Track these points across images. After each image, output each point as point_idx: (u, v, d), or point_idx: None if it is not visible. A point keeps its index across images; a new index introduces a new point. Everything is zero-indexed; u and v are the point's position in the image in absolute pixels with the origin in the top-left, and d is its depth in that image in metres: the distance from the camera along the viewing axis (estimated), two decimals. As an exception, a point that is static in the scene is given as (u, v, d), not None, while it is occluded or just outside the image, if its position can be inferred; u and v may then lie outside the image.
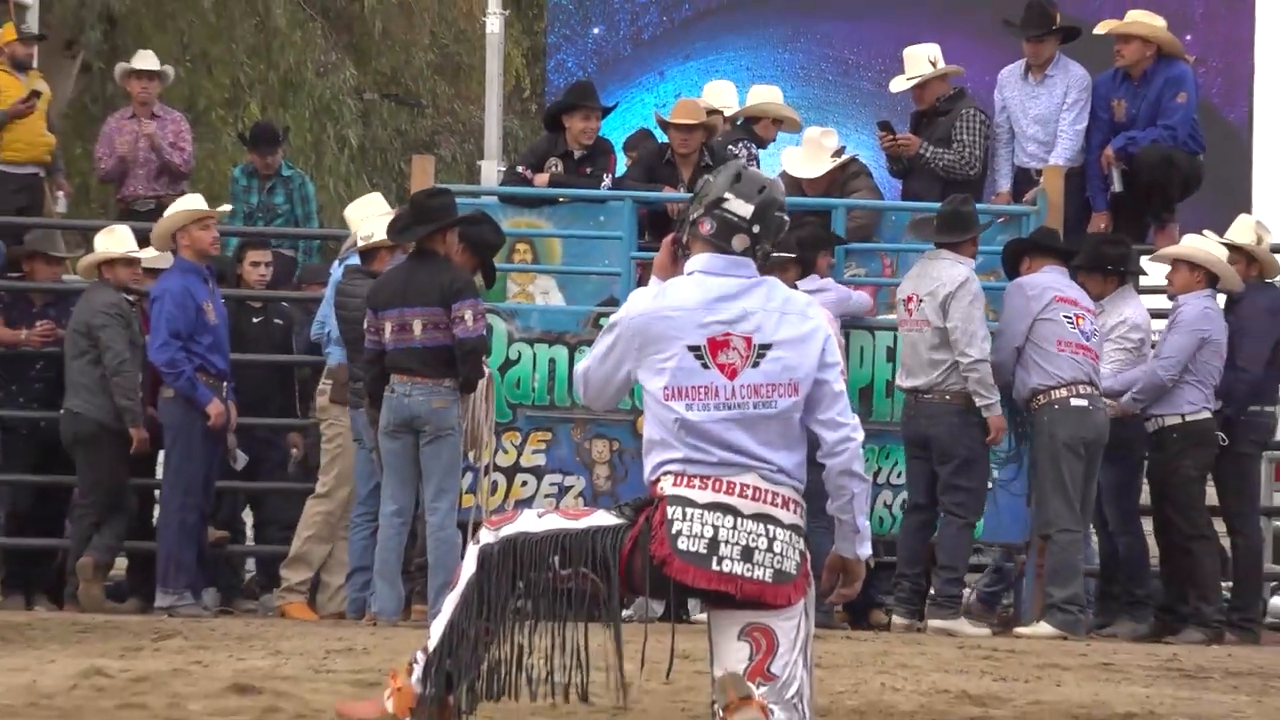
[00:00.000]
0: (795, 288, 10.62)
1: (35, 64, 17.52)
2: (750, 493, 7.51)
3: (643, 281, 14.35)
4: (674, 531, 7.45)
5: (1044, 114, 15.66)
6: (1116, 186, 15.33)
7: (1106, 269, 14.33)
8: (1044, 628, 13.54)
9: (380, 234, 14.04)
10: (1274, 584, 17.22)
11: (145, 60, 17.52)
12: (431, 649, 7.80)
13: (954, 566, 13.76)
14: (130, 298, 14.78)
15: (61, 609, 14.62)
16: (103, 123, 18.09)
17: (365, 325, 13.41)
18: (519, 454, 14.24)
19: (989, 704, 9.52)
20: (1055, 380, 13.66)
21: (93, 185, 20.32)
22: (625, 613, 7.91)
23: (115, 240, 14.90)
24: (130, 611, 14.44)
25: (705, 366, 7.50)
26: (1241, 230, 14.51)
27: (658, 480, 7.61)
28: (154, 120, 17.10)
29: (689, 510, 7.48)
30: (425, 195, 13.94)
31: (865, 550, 7.72)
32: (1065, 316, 13.79)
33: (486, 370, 13.55)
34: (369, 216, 14.41)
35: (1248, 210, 16.03)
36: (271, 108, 26.71)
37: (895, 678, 10.47)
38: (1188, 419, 13.97)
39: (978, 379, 13.53)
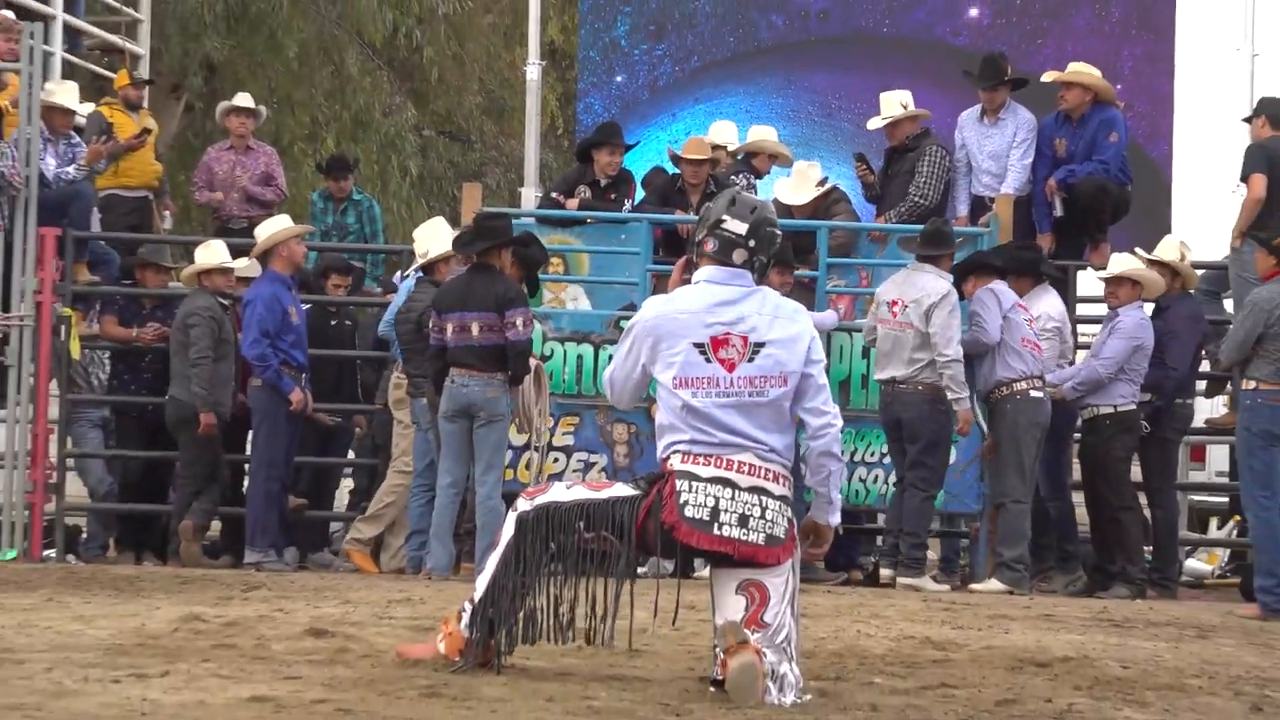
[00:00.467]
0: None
1: (145, 104, 17.50)
2: (746, 469, 7.57)
3: (657, 290, 14.45)
4: (681, 501, 7.52)
5: (997, 151, 15.68)
6: (1058, 212, 15.36)
7: (1022, 271, 14.39)
8: (994, 584, 13.55)
9: (435, 251, 14.05)
10: (1188, 548, 17.17)
11: (244, 100, 17.56)
12: (477, 600, 7.82)
13: (917, 533, 13.74)
14: (224, 302, 14.79)
15: (165, 564, 14.60)
16: (202, 154, 18.07)
17: (430, 325, 13.42)
18: (550, 435, 14.22)
19: (948, 648, 9.50)
20: (1018, 374, 13.70)
21: (192, 206, 20.25)
22: (640, 570, 7.93)
23: (212, 253, 14.92)
24: (223, 567, 14.44)
25: (708, 361, 7.58)
26: (1167, 249, 14.51)
27: (668, 458, 7.67)
28: (249, 153, 17.12)
29: (694, 483, 7.54)
30: (487, 216, 13.95)
31: (835, 519, 7.85)
32: (1024, 319, 13.84)
33: (535, 362, 13.53)
34: (432, 236, 14.41)
35: (1168, 232, 15.98)
36: (344, 142, 26.70)
37: (869, 626, 10.46)
38: (1119, 409, 13.99)
39: (951, 375, 13.54)
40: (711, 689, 7.63)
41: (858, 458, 14.42)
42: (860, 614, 11.06)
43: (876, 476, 14.29)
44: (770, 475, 7.60)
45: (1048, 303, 14.41)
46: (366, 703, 6.99)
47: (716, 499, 7.52)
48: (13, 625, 9.21)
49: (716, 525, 7.51)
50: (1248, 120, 15.32)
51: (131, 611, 10.06)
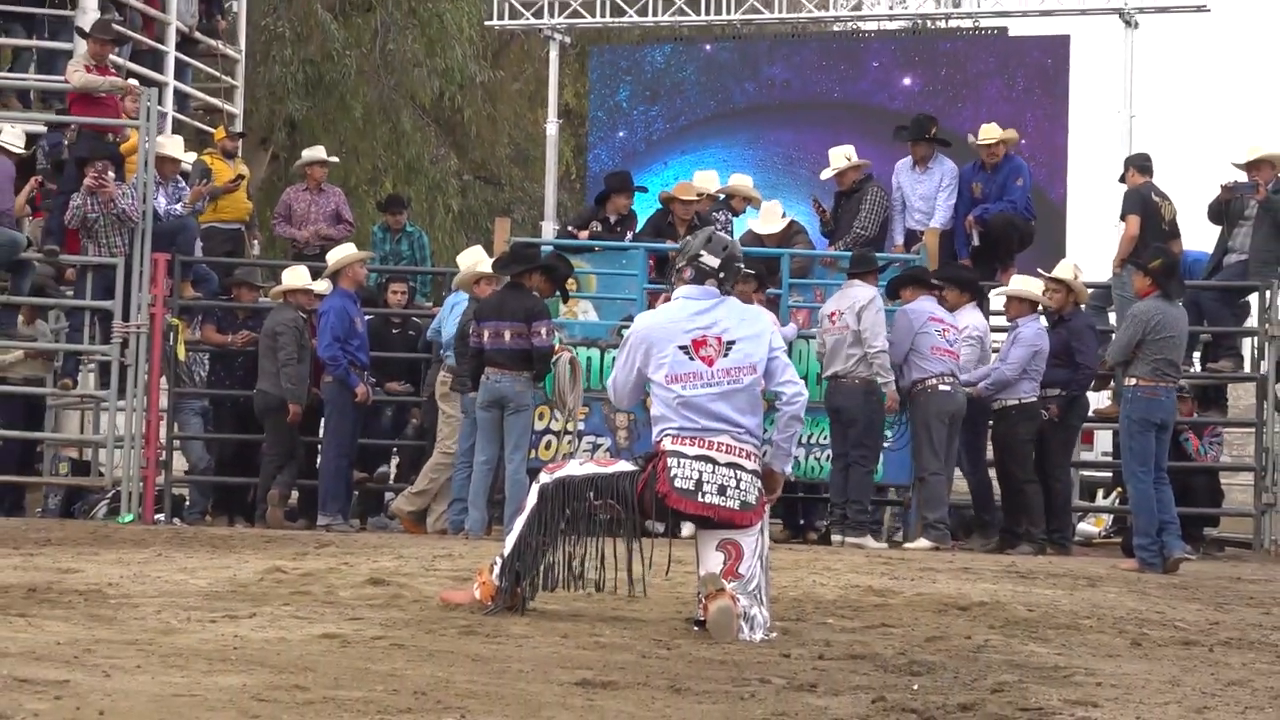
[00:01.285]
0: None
1: (239, 154, 17.47)
2: (724, 448, 7.64)
3: (650, 306, 14.41)
4: (672, 474, 7.58)
5: (926, 193, 15.66)
6: (975, 242, 15.37)
7: (963, 286, 14.39)
8: (922, 542, 13.49)
9: (485, 265, 14.12)
10: (1080, 514, 17.15)
11: (319, 153, 17.55)
12: (506, 555, 7.81)
13: (861, 501, 13.69)
14: (304, 314, 14.76)
15: (253, 526, 14.57)
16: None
17: (470, 331, 13.40)
18: (566, 421, 14.17)
19: (887, 595, 9.46)
20: (928, 374, 13.68)
21: (276, 237, 20.21)
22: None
23: (296, 276, 14.90)
24: (300, 528, 14.40)
25: (691, 359, 7.66)
26: (1063, 269, 14.51)
27: (660, 440, 7.73)
28: (321, 193, 17.08)
29: (682, 460, 7.59)
30: (520, 245, 14.13)
31: (788, 468, 8.04)
32: (936, 330, 13.80)
33: (569, 354, 13.49)
34: (475, 262, 14.40)
35: (1064, 258, 15.95)
36: (399, 185, 26.67)
37: (822, 577, 10.41)
38: (1023, 401, 13.95)
39: (880, 364, 13.56)
40: (695, 628, 7.62)
41: (813, 440, 14.36)
42: (815, 567, 11.01)
43: (828, 456, 14.22)
44: (744, 453, 7.64)
45: (970, 315, 14.39)
46: (416, 639, 6.96)
47: (700, 472, 7.56)
48: (130, 576, 9.16)
49: (700, 494, 7.54)
50: (1121, 180, 15.36)
51: (225, 565, 10.01)
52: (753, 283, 13.58)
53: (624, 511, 7.70)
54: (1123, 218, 15.06)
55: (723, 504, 7.57)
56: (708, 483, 7.56)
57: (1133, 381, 12.54)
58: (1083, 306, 14.72)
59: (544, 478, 7.87)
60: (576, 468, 7.87)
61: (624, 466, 7.84)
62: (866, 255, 14.22)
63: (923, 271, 14.33)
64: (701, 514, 7.59)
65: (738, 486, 7.59)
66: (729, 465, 7.60)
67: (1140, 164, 15.23)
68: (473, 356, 13.46)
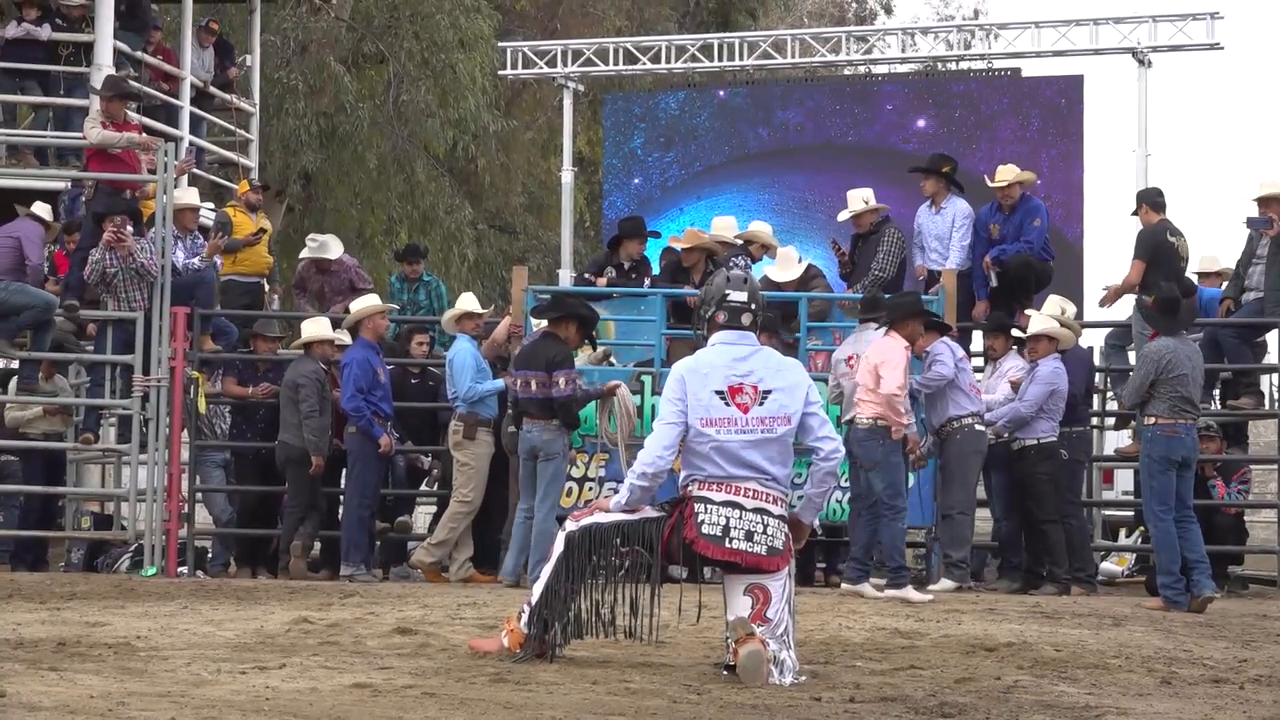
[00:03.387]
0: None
1: (262, 207, 17.49)
2: (751, 494, 7.68)
3: (670, 351, 14.47)
4: (699, 520, 7.62)
5: (940, 233, 15.61)
6: (993, 283, 15.32)
7: (1009, 333, 14.48)
8: (946, 583, 13.41)
9: (470, 306, 14.75)
10: (1103, 553, 17.12)
11: (320, 251, 17.00)
12: (533, 603, 7.82)
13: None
14: (325, 366, 14.80)
15: (276, 578, 14.57)
16: (301, 246, 17.96)
17: (510, 381, 13.70)
18: (586, 468, 14.18)
19: (913, 637, 9.48)
20: (966, 411, 13.61)
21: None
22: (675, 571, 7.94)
23: (317, 327, 14.95)
24: (324, 579, 14.40)
25: (727, 404, 7.64)
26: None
27: (687, 486, 7.74)
28: (331, 274, 16.78)
29: (709, 506, 7.63)
30: (564, 294, 14.46)
31: (815, 521, 8.33)
32: (969, 367, 13.82)
33: (623, 392, 13.59)
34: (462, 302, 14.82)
35: (1081, 298, 15.90)
36: (415, 234, 26.76)
37: (849, 620, 10.43)
38: (1041, 441, 13.90)
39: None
40: (724, 673, 7.65)
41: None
42: (840, 610, 11.03)
43: (850, 498, 14.17)
44: (770, 499, 7.66)
45: (1015, 360, 14.33)
46: (446, 687, 7.00)
47: (727, 518, 7.59)
48: (157, 629, 9.20)
49: (727, 539, 7.57)
50: (1134, 214, 15.33)
51: (251, 616, 10.04)
52: (774, 337, 13.46)
53: (651, 558, 7.73)
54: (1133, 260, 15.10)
55: (750, 550, 7.60)
56: (735, 528, 7.59)
57: (1151, 420, 12.56)
58: (1081, 343, 14.72)
59: (570, 525, 7.91)
60: (603, 515, 7.90)
61: (650, 513, 7.87)
62: (877, 298, 14.10)
63: (924, 308, 14.07)
64: (729, 560, 7.61)
65: (765, 532, 7.61)
66: (756, 511, 7.62)
67: (1153, 200, 15.15)
68: (511, 405, 13.62)
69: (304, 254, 17.24)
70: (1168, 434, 12.48)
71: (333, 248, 17.02)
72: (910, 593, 12.48)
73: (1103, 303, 15.30)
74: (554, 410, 13.23)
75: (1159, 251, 14.64)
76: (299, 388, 14.51)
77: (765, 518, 7.61)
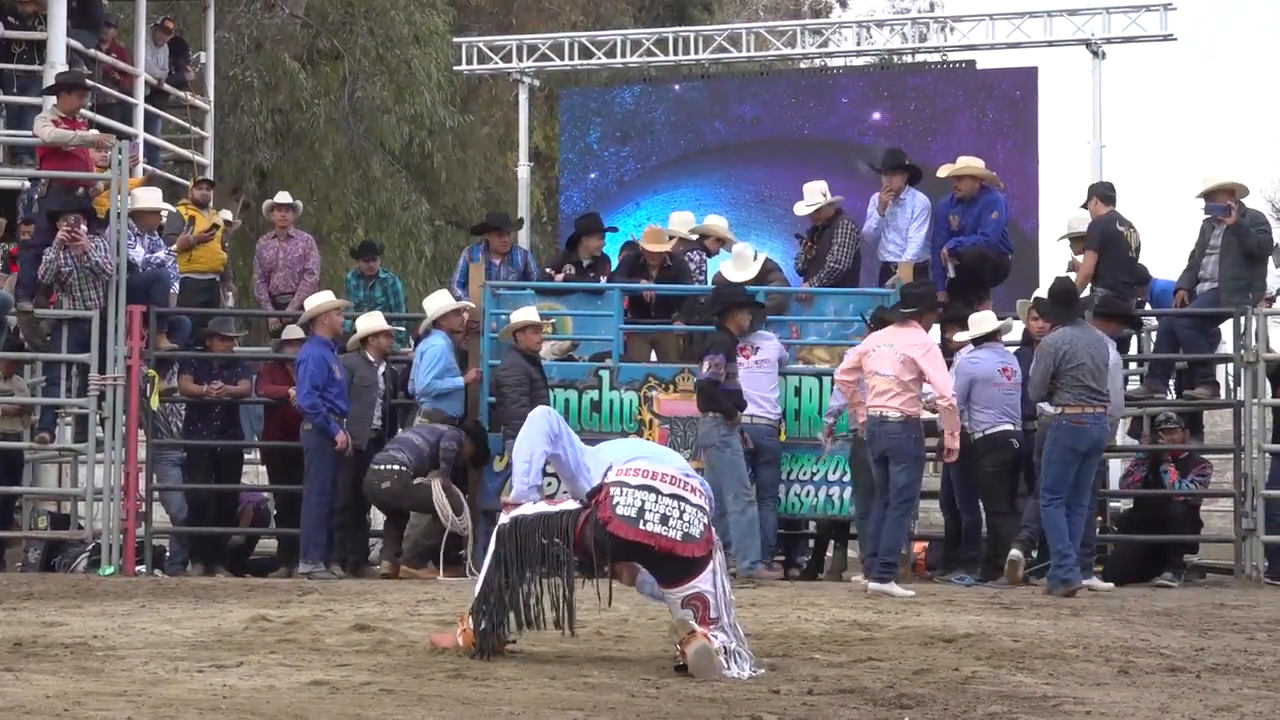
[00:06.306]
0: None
1: (212, 203, 17.39)
2: (669, 479, 7.70)
3: (628, 345, 14.48)
4: (614, 503, 7.61)
5: (900, 225, 15.67)
6: (951, 274, 15.37)
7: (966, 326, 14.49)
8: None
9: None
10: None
11: (283, 197, 17.39)
12: (475, 598, 7.82)
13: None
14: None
15: (235, 576, 14.52)
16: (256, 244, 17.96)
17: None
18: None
19: (872, 629, 9.50)
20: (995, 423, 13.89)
21: (250, 287, 20.17)
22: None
23: (371, 320, 15.07)
24: (282, 576, 14.36)
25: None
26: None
27: (605, 474, 7.80)
28: (289, 240, 16.90)
29: (625, 489, 7.65)
30: (721, 289, 14.34)
31: None
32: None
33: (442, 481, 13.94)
34: (435, 300, 14.68)
35: (1037, 288, 15.81)
36: (371, 231, 26.68)
37: (807, 612, 10.44)
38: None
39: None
40: (678, 671, 7.62)
41: (793, 477, 14.31)
42: (799, 603, 11.05)
43: (809, 492, 14.21)
44: (690, 488, 7.73)
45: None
46: (405, 684, 6.98)
47: (643, 501, 7.59)
48: (114, 628, 9.16)
49: (642, 521, 7.56)
50: (1084, 206, 15.46)
51: (209, 615, 10.01)
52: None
53: (566, 549, 7.69)
54: (1086, 250, 15.21)
55: (664, 534, 7.55)
56: (650, 511, 7.57)
57: (1059, 410, 12.59)
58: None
59: (502, 518, 7.91)
60: (530, 507, 7.87)
61: (570, 505, 7.85)
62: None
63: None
64: (642, 541, 7.55)
65: (681, 517, 7.60)
66: (673, 496, 7.63)
67: (1103, 193, 15.38)
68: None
69: (265, 204, 17.65)
70: (1074, 424, 12.51)
71: (287, 197, 17.35)
72: (894, 588, 12.35)
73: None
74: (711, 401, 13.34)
75: (1107, 241, 14.87)
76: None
77: (682, 504, 7.62)
